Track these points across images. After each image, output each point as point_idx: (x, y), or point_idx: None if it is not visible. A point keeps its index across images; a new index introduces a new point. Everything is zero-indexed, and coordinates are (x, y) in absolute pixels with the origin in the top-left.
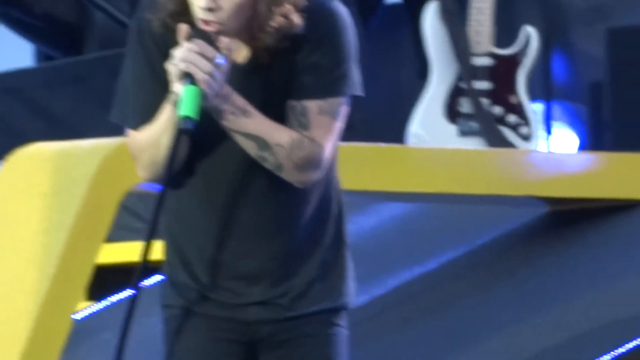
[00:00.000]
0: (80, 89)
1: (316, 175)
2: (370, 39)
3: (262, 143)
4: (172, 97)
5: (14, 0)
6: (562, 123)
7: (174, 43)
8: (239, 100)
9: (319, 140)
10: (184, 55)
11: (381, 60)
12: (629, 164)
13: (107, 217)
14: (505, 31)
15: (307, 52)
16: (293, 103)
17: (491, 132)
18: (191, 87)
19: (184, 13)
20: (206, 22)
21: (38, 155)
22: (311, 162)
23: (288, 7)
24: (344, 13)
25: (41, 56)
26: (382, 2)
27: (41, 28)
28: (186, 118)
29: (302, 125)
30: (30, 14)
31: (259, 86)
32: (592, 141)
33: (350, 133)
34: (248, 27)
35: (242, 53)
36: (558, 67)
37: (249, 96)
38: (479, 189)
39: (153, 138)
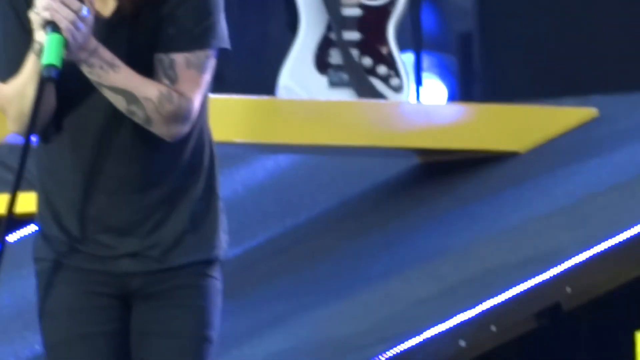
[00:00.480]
0: None
1: (185, 129)
2: None
3: (131, 97)
4: (35, 47)
5: None
6: (431, 74)
7: None
8: (106, 54)
9: (188, 94)
10: (46, 3)
11: (250, 11)
12: (498, 115)
13: None
14: None
15: (172, 5)
16: (160, 56)
17: (361, 83)
18: (54, 35)
19: None
20: None
21: None
22: (180, 115)
23: None
24: None
25: None
26: None
27: None
28: (49, 66)
29: (170, 78)
30: None
31: (125, 39)
32: (461, 92)
33: (220, 85)
34: None
35: (107, 6)
36: (427, 18)
37: (115, 50)
38: (350, 141)
39: (19, 88)
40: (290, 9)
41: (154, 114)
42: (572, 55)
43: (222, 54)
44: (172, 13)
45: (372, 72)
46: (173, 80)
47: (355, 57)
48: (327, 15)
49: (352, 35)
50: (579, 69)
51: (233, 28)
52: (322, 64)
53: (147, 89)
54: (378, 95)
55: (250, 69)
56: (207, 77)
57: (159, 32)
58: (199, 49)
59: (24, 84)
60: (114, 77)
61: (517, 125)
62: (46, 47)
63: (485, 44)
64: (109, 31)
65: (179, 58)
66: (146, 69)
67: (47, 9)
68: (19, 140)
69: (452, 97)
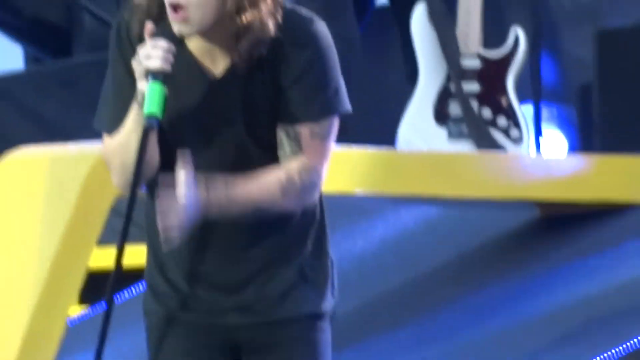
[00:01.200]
0: (70, 92)
1: (313, 198)
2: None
3: (257, 208)
4: (138, 97)
5: (2, 2)
6: (551, 125)
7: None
8: (221, 196)
9: (313, 164)
10: (147, 52)
11: (370, 63)
12: (618, 166)
13: (98, 221)
14: (493, 32)
15: (292, 71)
16: (285, 127)
17: (481, 135)
18: (155, 84)
19: (160, 13)
20: (174, 6)
21: (28, 159)
22: (306, 191)
23: (263, 10)
24: (325, 31)
25: (30, 59)
26: (371, 6)
27: (29, 30)
28: (150, 116)
29: (295, 151)
30: (18, 16)
31: (238, 99)
32: (581, 143)
33: (341, 136)
34: (221, 28)
35: (218, 65)
36: (547, 69)
37: (227, 109)
38: (470, 192)
39: (122, 140)
40: (410, 60)
41: (283, 203)
42: None
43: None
44: (290, 78)
45: (491, 123)
46: (297, 151)
47: (475, 108)
48: (446, 66)
49: (472, 86)
50: None
51: (355, 79)
52: (441, 115)
53: (269, 193)
54: (498, 146)
55: (370, 121)
56: (331, 143)
57: (274, 93)
58: (323, 119)
59: (127, 135)
60: (237, 208)
61: (637, 177)
62: (147, 97)
63: (605, 95)
64: (221, 91)
65: (304, 129)
66: (260, 126)
67: (148, 57)
68: (142, 189)
69: (572, 148)
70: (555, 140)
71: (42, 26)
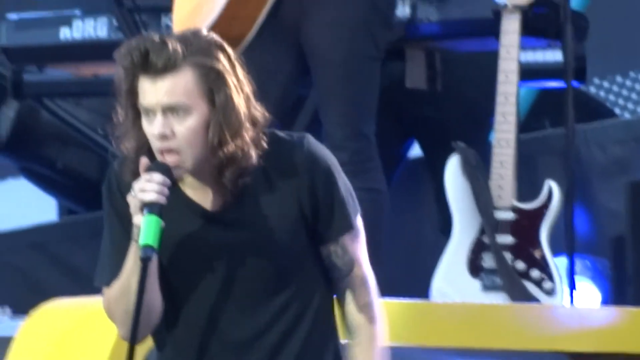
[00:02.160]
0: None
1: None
2: (392, 193)
3: None
4: (134, 232)
5: (36, 155)
6: (584, 277)
7: None
8: None
9: (366, 271)
10: (142, 185)
11: (403, 214)
12: None
13: None
14: (527, 185)
15: (309, 194)
16: (328, 247)
17: (514, 287)
18: (151, 217)
19: (150, 158)
20: (163, 151)
21: (62, 311)
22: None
23: (245, 140)
24: (315, 144)
25: (64, 211)
26: (404, 157)
27: (63, 182)
28: (146, 247)
29: (347, 263)
30: (52, 168)
31: (232, 228)
32: (614, 295)
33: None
34: (206, 163)
35: (213, 198)
36: (580, 221)
37: (223, 241)
38: (504, 344)
39: (122, 284)
40: (444, 213)
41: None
42: None
43: (376, 257)
44: (318, 204)
45: (525, 275)
46: (350, 264)
47: (509, 260)
48: (480, 219)
49: (505, 238)
50: None
51: (387, 231)
52: (475, 267)
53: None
54: (531, 298)
55: (404, 273)
56: (363, 235)
57: (266, 216)
58: (355, 221)
59: (127, 279)
60: None
61: None
62: (143, 228)
63: (637, 247)
64: (214, 223)
65: (345, 240)
66: (258, 252)
67: (143, 190)
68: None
69: (605, 301)
70: (588, 293)
71: (76, 179)
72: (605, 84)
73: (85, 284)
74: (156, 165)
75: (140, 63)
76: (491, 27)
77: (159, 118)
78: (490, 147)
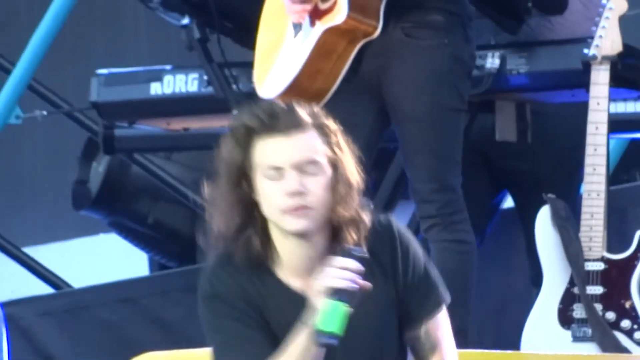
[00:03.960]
0: (193, 298)
1: None
2: (485, 244)
3: None
4: (308, 319)
5: (127, 210)
6: None
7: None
8: None
9: (451, 352)
10: (336, 271)
11: (494, 265)
12: None
13: None
14: (616, 236)
15: (388, 274)
16: (414, 330)
17: (605, 338)
18: (339, 304)
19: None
20: (296, 208)
21: None
22: None
23: (360, 205)
24: (408, 231)
25: (155, 266)
26: (498, 208)
27: (154, 237)
28: (329, 334)
29: (432, 348)
30: (143, 223)
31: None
32: None
33: (464, 339)
34: (323, 229)
35: (307, 276)
36: None
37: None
38: None
39: None
40: (535, 263)
41: None
42: None
43: (466, 309)
44: (396, 279)
45: (615, 326)
46: (435, 346)
47: (599, 311)
48: (570, 269)
49: (596, 289)
50: None
51: (478, 282)
52: (565, 318)
53: None
54: (622, 349)
55: (495, 324)
56: (449, 320)
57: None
58: (442, 306)
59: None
60: None
61: None
62: (327, 314)
63: None
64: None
65: (432, 323)
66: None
67: (336, 276)
68: None
69: None
70: None
71: (167, 233)
72: None
73: (176, 338)
74: (351, 251)
75: (269, 123)
76: (580, 79)
77: (292, 175)
78: (581, 199)
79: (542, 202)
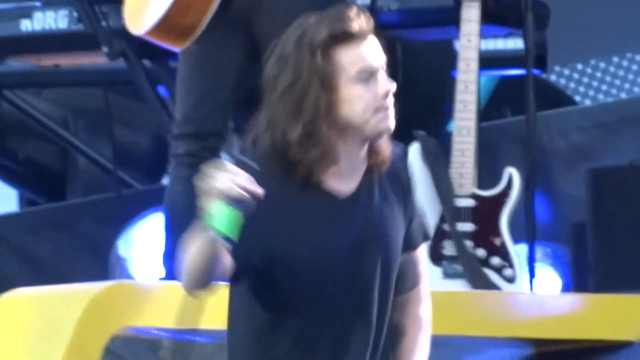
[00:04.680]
0: (64, 235)
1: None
2: None
3: None
4: (204, 218)
5: None
6: (545, 264)
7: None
8: None
9: (427, 289)
10: (229, 177)
11: None
12: (612, 306)
13: None
14: (487, 172)
15: (401, 197)
16: (409, 256)
17: (475, 275)
18: (229, 207)
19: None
20: (389, 107)
21: (22, 300)
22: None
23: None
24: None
25: (25, 202)
26: None
27: (24, 173)
28: (221, 234)
29: (417, 277)
30: (13, 159)
31: (361, 218)
32: (575, 282)
33: None
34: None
35: (350, 185)
36: (541, 209)
37: (352, 226)
38: (464, 331)
39: (189, 263)
40: None
41: None
42: None
43: None
44: (401, 206)
45: (485, 263)
46: (417, 279)
47: (469, 248)
48: (440, 206)
49: (466, 226)
50: None
51: None
52: (436, 255)
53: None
54: (492, 286)
55: None
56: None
57: (389, 215)
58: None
59: (194, 261)
60: None
61: (631, 315)
62: (218, 215)
63: (598, 234)
64: (346, 209)
65: (418, 253)
66: (393, 248)
67: (227, 182)
68: (135, 331)
69: (566, 288)
70: (549, 280)
71: (37, 169)
72: (566, 72)
73: (45, 274)
74: (245, 161)
75: (349, 29)
76: (452, 16)
77: (383, 75)
78: (450, 136)
79: (411, 139)
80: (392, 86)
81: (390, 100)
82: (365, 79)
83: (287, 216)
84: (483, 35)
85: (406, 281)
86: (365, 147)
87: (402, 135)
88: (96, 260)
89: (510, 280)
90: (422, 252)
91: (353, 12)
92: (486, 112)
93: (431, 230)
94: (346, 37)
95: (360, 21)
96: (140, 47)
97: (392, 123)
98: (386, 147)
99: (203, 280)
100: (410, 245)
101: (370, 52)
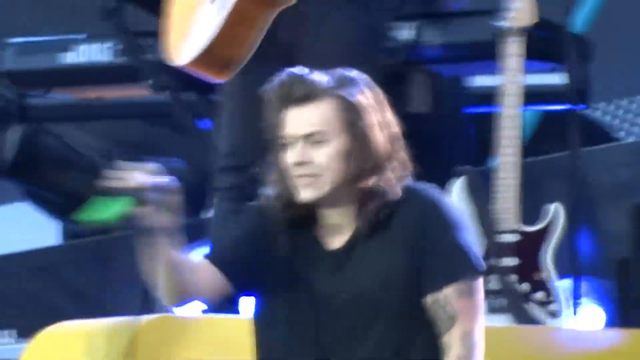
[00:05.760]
0: (107, 266)
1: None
2: None
3: None
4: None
5: (41, 179)
6: (589, 299)
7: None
8: None
9: (469, 328)
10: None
11: None
12: None
13: None
14: (531, 207)
15: (424, 236)
16: (433, 295)
17: (518, 309)
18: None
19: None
20: (300, 176)
21: (65, 334)
22: (474, 355)
23: (387, 178)
24: (443, 200)
25: (68, 234)
26: None
27: (67, 206)
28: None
29: (450, 316)
30: (56, 192)
31: (355, 268)
32: (619, 317)
33: None
34: (347, 193)
35: (342, 237)
36: (585, 243)
37: (345, 280)
38: None
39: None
40: None
41: None
42: None
43: None
44: (429, 247)
45: (529, 297)
46: (453, 316)
47: (513, 282)
48: (484, 241)
49: (509, 261)
50: None
51: None
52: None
53: None
54: (535, 321)
55: None
56: (480, 299)
57: (390, 259)
58: (465, 278)
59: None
60: None
61: None
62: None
63: None
64: (339, 261)
65: (448, 295)
66: (393, 289)
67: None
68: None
69: (610, 323)
70: (593, 315)
71: (80, 202)
72: (611, 108)
73: (89, 306)
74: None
75: (285, 95)
76: (494, 50)
77: (297, 145)
78: (493, 171)
79: (456, 174)
80: (302, 158)
81: (303, 171)
82: (285, 145)
83: (283, 259)
84: (526, 70)
85: (439, 324)
86: (351, 207)
87: (444, 171)
88: (138, 293)
89: (554, 314)
90: (455, 294)
91: (292, 77)
92: (530, 148)
93: None
94: (283, 101)
95: (300, 86)
96: (183, 79)
97: (306, 194)
98: (371, 203)
99: (171, 287)
100: (427, 287)
101: (293, 120)
